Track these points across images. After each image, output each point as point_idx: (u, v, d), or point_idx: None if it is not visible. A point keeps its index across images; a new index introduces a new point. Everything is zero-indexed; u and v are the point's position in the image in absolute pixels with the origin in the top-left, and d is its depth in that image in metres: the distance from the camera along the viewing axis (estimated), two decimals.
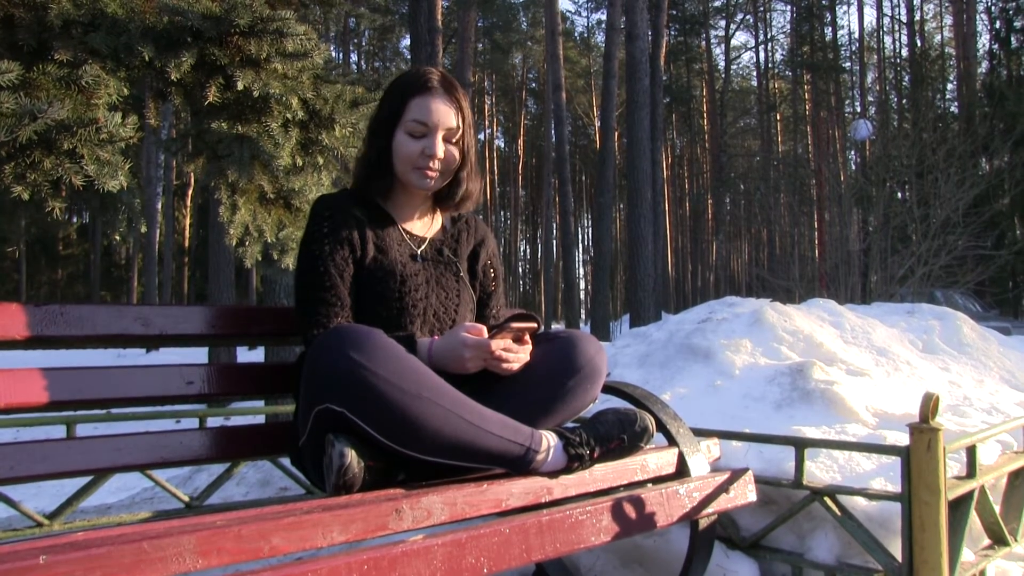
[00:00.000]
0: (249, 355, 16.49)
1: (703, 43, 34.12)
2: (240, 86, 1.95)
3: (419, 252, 1.51)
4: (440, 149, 1.45)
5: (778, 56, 35.20)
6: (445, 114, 1.45)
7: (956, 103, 23.12)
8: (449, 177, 1.51)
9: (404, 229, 1.52)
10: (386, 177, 1.48)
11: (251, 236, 2.46)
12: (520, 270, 43.03)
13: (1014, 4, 18.87)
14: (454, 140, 1.48)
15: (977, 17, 22.04)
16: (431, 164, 1.45)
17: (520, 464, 1.24)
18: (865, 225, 10.85)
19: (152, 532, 0.89)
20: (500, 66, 36.16)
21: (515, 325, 1.32)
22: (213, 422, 2.22)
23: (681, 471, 1.48)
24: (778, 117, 34.02)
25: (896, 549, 1.50)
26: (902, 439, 1.70)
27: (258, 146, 2.19)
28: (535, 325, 1.34)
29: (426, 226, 1.56)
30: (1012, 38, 19.04)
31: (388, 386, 1.15)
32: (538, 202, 37.85)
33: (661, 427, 1.51)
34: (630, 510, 1.27)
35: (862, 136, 12.10)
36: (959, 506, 1.56)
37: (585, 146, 36.47)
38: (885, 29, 30.70)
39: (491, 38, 33.22)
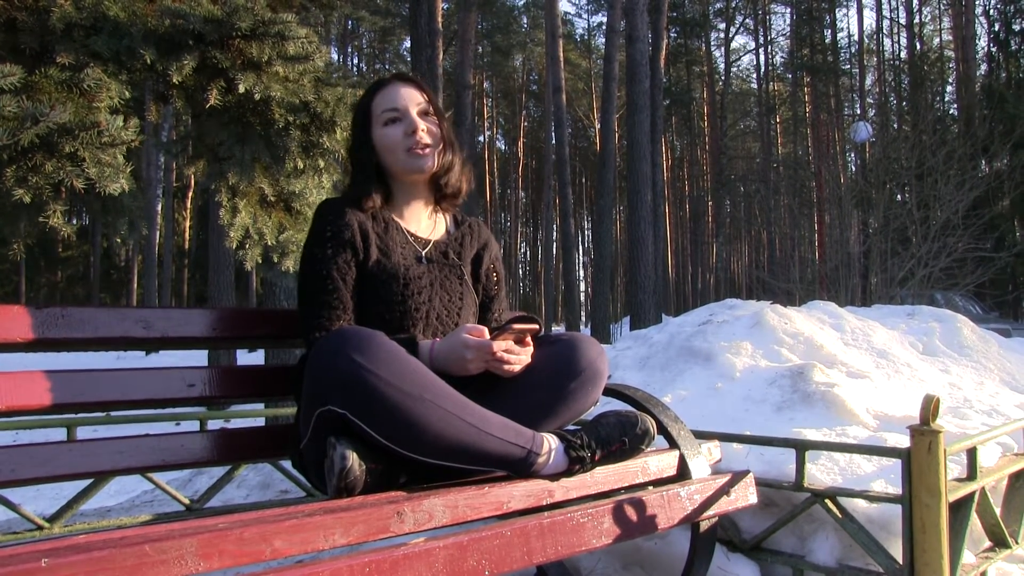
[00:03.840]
0: (249, 357, 16.47)
1: (703, 45, 34.15)
2: (241, 89, 1.95)
3: (424, 254, 1.51)
4: (420, 123, 1.49)
5: (778, 59, 35.30)
6: (409, 94, 1.51)
7: (955, 105, 23.13)
8: (440, 153, 1.53)
9: (408, 232, 1.52)
10: (381, 185, 1.51)
11: (251, 239, 2.46)
12: (520, 272, 43.04)
13: (1013, 7, 18.90)
14: (430, 113, 1.52)
15: (976, 20, 22.05)
16: (417, 138, 1.48)
17: (521, 466, 1.25)
18: (865, 227, 10.85)
19: (153, 535, 0.89)
20: (500, 68, 36.19)
21: (517, 327, 1.32)
22: (213, 425, 2.22)
23: (682, 473, 1.48)
24: (778, 119, 34.03)
25: (897, 551, 1.50)
26: (903, 441, 1.70)
27: (259, 149, 2.20)
28: (537, 327, 1.34)
29: (430, 228, 1.57)
30: (1011, 40, 19.06)
31: (390, 388, 1.15)
32: (538, 204, 37.87)
33: (662, 429, 1.51)
34: (631, 512, 1.27)
35: (862, 138, 12.10)
36: (960, 508, 1.56)
37: (585, 148, 36.49)
38: (884, 32, 30.73)
39: (491, 40, 33.27)
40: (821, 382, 2.05)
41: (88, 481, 2.02)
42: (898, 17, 30.12)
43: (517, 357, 1.35)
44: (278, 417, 2.75)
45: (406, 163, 1.49)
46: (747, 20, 34.72)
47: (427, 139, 1.49)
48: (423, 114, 1.51)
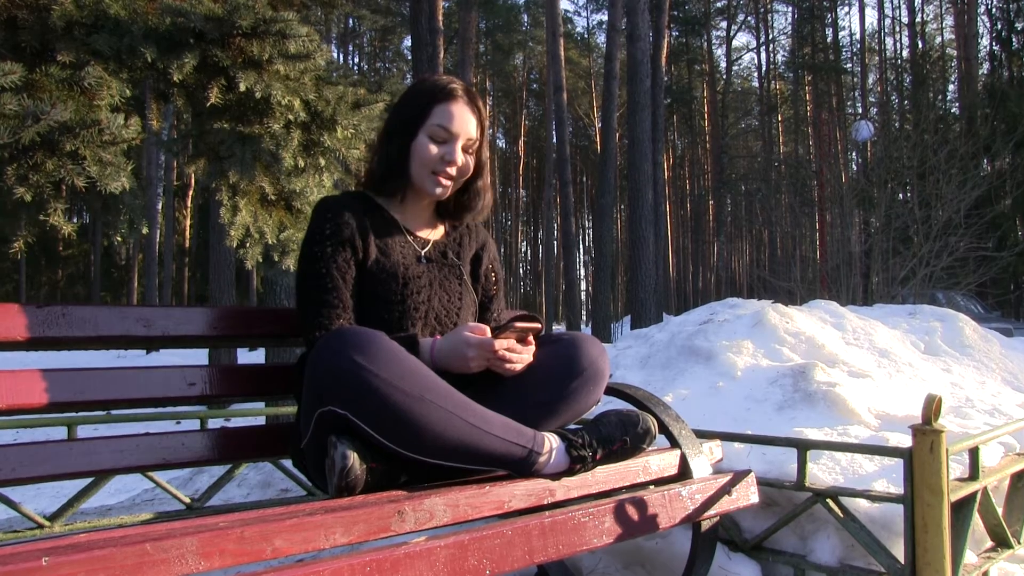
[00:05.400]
0: (249, 356, 16.49)
1: (704, 44, 34.14)
2: (242, 87, 1.95)
3: (423, 254, 1.51)
4: (460, 157, 1.47)
5: (779, 57, 35.27)
6: (468, 123, 1.48)
7: (957, 104, 23.12)
8: (459, 186, 1.52)
9: (408, 231, 1.52)
10: (399, 178, 1.49)
11: (252, 238, 2.46)
12: (521, 271, 43.05)
13: (1015, 5, 18.87)
14: (472, 150, 1.50)
15: (978, 18, 22.03)
16: (448, 171, 1.46)
17: (522, 466, 1.24)
18: (867, 226, 10.83)
19: (154, 533, 0.89)
20: (501, 67, 36.18)
21: (519, 325, 1.32)
22: (214, 423, 2.22)
23: (683, 473, 1.48)
24: (779, 118, 34.01)
25: (899, 551, 1.50)
26: (904, 441, 1.69)
27: (260, 147, 2.19)
28: (539, 326, 1.34)
29: (429, 229, 1.57)
30: (1013, 39, 19.03)
31: (390, 388, 1.15)
32: (539, 203, 37.87)
33: (663, 429, 1.51)
34: (632, 512, 1.27)
35: (863, 137, 12.07)
36: (962, 508, 1.55)
37: (586, 147, 36.46)
38: (886, 30, 30.74)
39: (492, 39, 33.26)
40: (823, 381, 2.05)
41: (88, 480, 2.02)
42: (900, 16, 30.15)
43: (519, 356, 1.34)
44: (278, 416, 2.75)
45: (423, 180, 1.48)
46: (748, 18, 34.71)
47: (455, 173, 1.48)
48: (466, 149, 1.49)
